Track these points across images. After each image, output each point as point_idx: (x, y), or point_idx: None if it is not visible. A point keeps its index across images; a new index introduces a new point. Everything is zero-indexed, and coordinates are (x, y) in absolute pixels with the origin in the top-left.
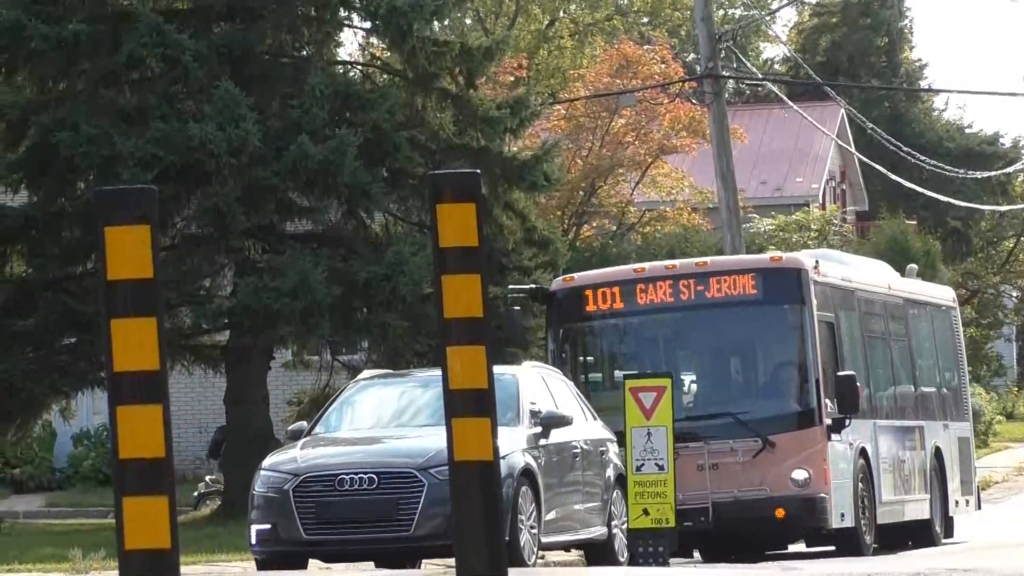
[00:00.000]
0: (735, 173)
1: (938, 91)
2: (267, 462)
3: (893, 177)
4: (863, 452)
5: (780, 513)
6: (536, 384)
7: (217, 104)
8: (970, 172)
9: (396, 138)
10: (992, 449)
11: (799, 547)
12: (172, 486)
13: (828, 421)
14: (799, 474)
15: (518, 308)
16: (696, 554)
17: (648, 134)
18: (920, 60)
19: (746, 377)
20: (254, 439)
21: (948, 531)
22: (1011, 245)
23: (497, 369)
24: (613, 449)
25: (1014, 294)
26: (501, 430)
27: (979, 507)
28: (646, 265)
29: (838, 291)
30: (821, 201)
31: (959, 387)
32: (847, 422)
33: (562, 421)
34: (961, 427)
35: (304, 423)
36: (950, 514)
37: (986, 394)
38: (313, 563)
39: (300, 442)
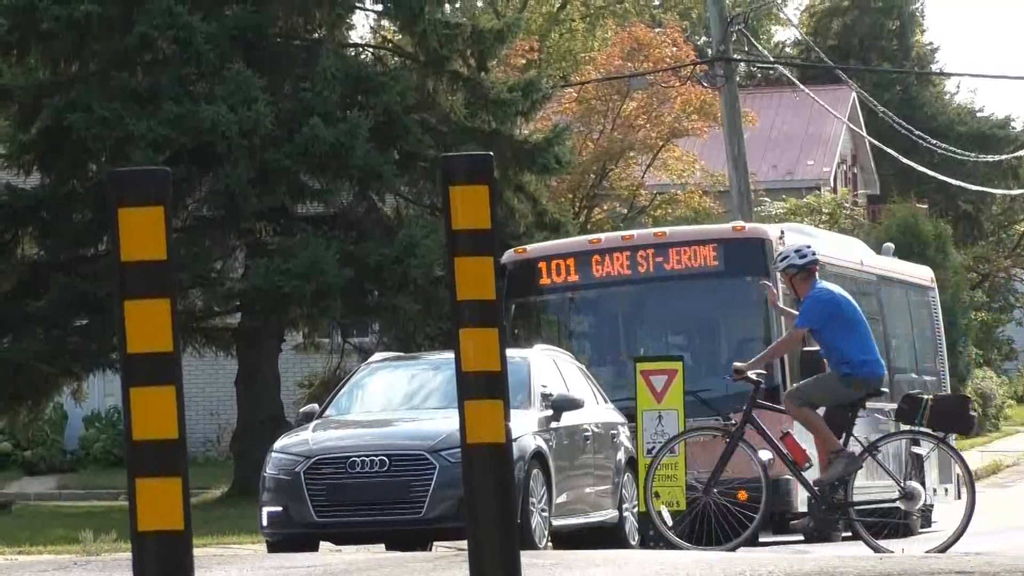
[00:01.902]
0: (746, 156)
1: (949, 75)
2: (278, 444)
3: (904, 161)
4: None
5: (743, 496)
6: (547, 367)
7: (229, 86)
8: (981, 156)
9: (407, 121)
10: (1003, 433)
11: (767, 537)
12: (185, 467)
13: None
14: (763, 455)
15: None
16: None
17: (659, 117)
18: (931, 44)
19: (707, 353)
20: (265, 421)
21: (926, 519)
22: (1022, 229)
23: (508, 352)
24: (624, 432)
25: None
26: (512, 413)
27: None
28: (602, 236)
29: None
30: (832, 184)
31: (938, 369)
32: None
33: (573, 404)
34: None
35: (315, 405)
36: (928, 503)
37: (997, 378)
38: (324, 545)
39: (311, 424)
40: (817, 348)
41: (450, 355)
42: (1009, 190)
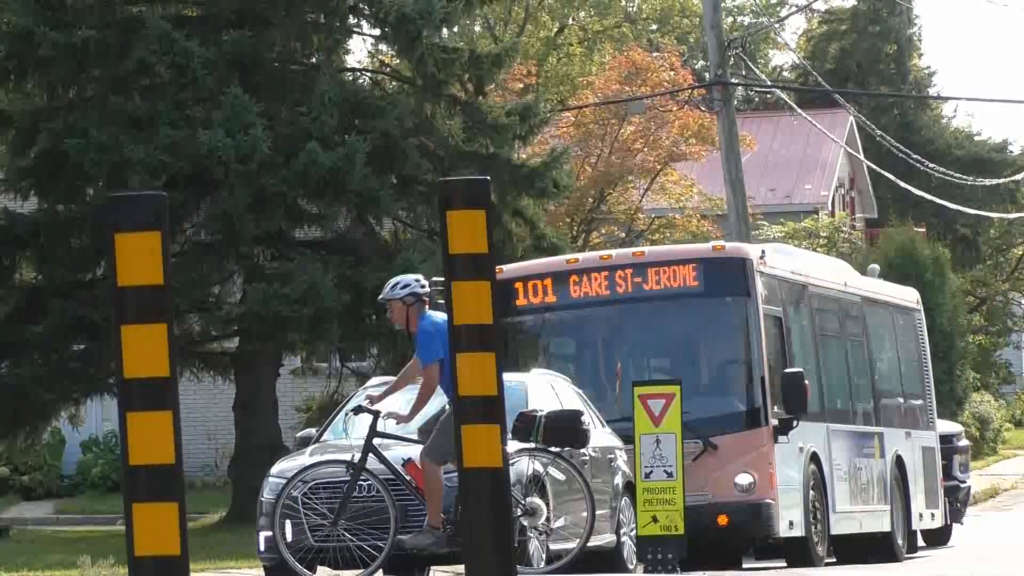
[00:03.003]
0: (744, 180)
1: (947, 98)
2: (275, 468)
3: (902, 184)
4: (815, 457)
5: (723, 520)
6: (545, 391)
7: (226, 111)
8: (979, 180)
9: (405, 145)
10: (1001, 456)
11: (750, 563)
12: (182, 492)
13: (775, 422)
14: (743, 478)
15: (442, 302)
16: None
17: (657, 141)
18: (929, 67)
19: (686, 374)
20: (263, 446)
21: (911, 546)
22: (1020, 252)
23: (505, 376)
24: (622, 456)
25: (1023, 301)
26: (509, 437)
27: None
28: (580, 256)
29: (787, 284)
30: (830, 208)
31: (924, 393)
32: (795, 423)
33: None
34: (926, 436)
35: (312, 430)
36: (913, 528)
37: (995, 401)
38: (322, 569)
39: (309, 449)
40: (800, 370)
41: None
42: (1007, 214)
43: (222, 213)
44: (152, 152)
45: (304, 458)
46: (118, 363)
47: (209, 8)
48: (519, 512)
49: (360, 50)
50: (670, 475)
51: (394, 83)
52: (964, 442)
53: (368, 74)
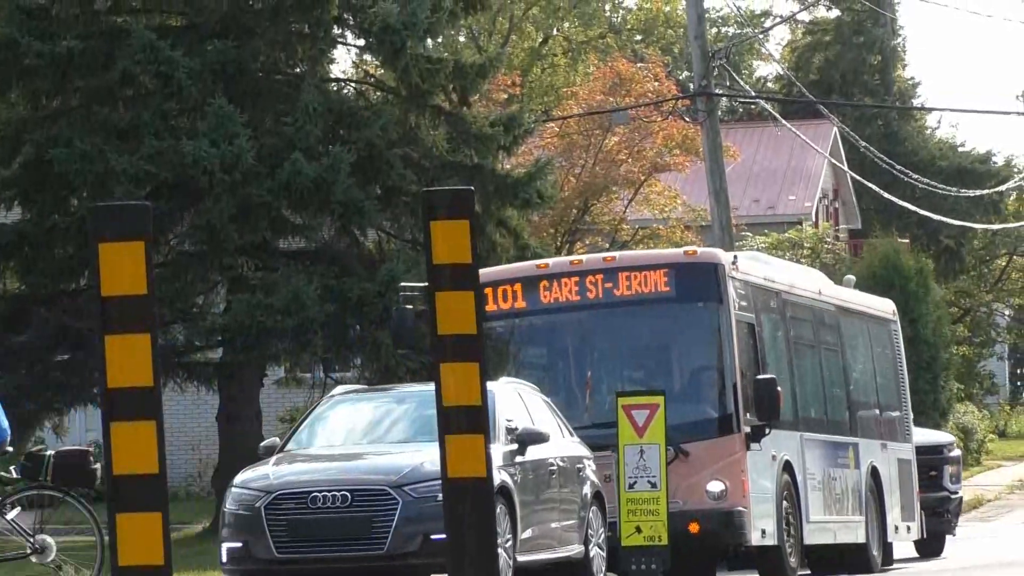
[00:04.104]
0: (728, 191)
1: (931, 109)
2: (238, 479)
3: (886, 195)
4: (788, 466)
5: (694, 528)
6: (512, 400)
7: (210, 121)
8: (963, 190)
9: (390, 155)
10: (984, 467)
11: (723, 574)
12: (166, 502)
13: (747, 429)
14: (715, 486)
15: (410, 307)
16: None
17: (641, 152)
18: (913, 79)
19: (658, 381)
20: (247, 456)
21: (887, 558)
22: (1003, 263)
23: None
24: (590, 466)
25: (1007, 312)
26: None
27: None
28: (550, 260)
29: (760, 291)
30: (814, 219)
31: (901, 405)
32: (767, 431)
33: (539, 438)
34: (902, 448)
35: (277, 439)
36: (889, 540)
37: (978, 412)
38: None
39: (273, 459)
40: (773, 376)
41: (414, 387)
42: (990, 224)
43: (206, 223)
44: (136, 162)
45: (268, 468)
46: (102, 373)
47: (193, 18)
48: (28, 550)
49: (344, 60)
50: (654, 485)
51: (378, 93)
52: (956, 452)
53: (352, 84)
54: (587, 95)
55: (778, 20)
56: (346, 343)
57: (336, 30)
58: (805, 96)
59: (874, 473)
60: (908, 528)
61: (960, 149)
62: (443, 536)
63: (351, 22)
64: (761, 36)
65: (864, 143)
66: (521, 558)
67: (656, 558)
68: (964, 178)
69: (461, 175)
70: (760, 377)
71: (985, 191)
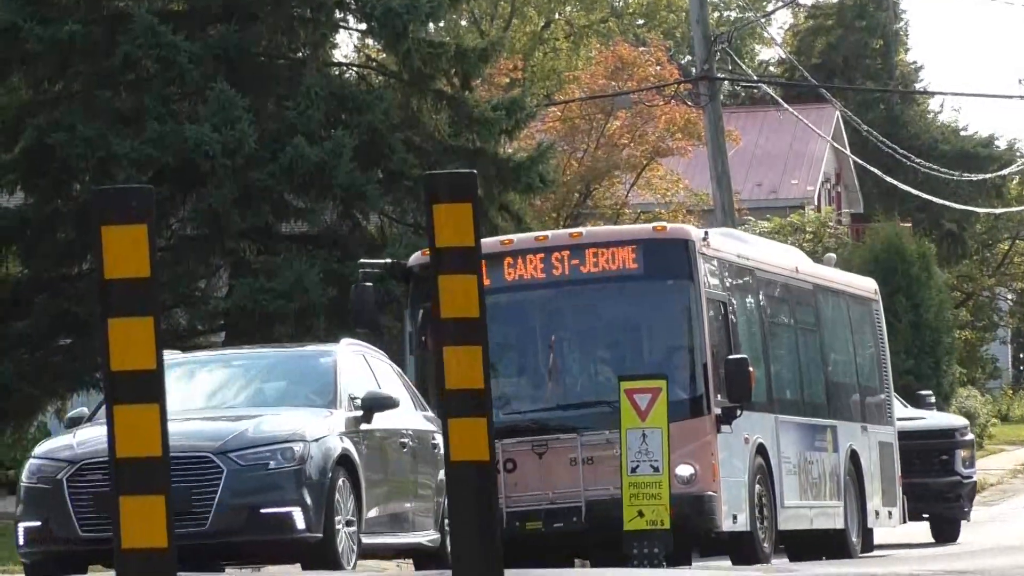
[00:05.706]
0: (730, 175)
1: (933, 93)
2: (39, 449)
3: (888, 179)
4: (761, 449)
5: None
6: (356, 363)
7: (212, 105)
8: (965, 174)
9: (392, 140)
10: (987, 452)
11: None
12: (168, 485)
13: (717, 411)
14: (684, 470)
15: (370, 284)
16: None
17: (643, 136)
18: (915, 62)
19: (625, 361)
20: None
21: (867, 544)
22: (1006, 247)
23: (312, 347)
24: None
25: (1009, 296)
26: (316, 413)
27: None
28: (515, 237)
29: (733, 268)
30: (816, 203)
31: (882, 387)
32: (739, 412)
33: (387, 402)
34: (883, 431)
35: (85, 409)
36: (869, 525)
37: (981, 397)
38: (95, 569)
39: (76, 429)
40: (744, 356)
41: (257, 351)
42: (993, 209)
43: (208, 207)
44: (138, 146)
45: (70, 438)
46: (105, 356)
47: (195, 2)
48: None
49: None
50: (656, 470)
51: (380, 77)
52: (968, 436)
53: (355, 68)
54: (589, 79)
55: (780, 4)
56: (348, 327)
57: (338, 14)
58: (807, 80)
59: (853, 457)
60: (889, 513)
61: (963, 133)
62: (274, 510)
63: (353, 6)
64: (763, 20)
65: (866, 127)
66: (367, 540)
67: (659, 542)
68: (967, 162)
69: (463, 159)
70: (731, 357)
71: (988, 175)
